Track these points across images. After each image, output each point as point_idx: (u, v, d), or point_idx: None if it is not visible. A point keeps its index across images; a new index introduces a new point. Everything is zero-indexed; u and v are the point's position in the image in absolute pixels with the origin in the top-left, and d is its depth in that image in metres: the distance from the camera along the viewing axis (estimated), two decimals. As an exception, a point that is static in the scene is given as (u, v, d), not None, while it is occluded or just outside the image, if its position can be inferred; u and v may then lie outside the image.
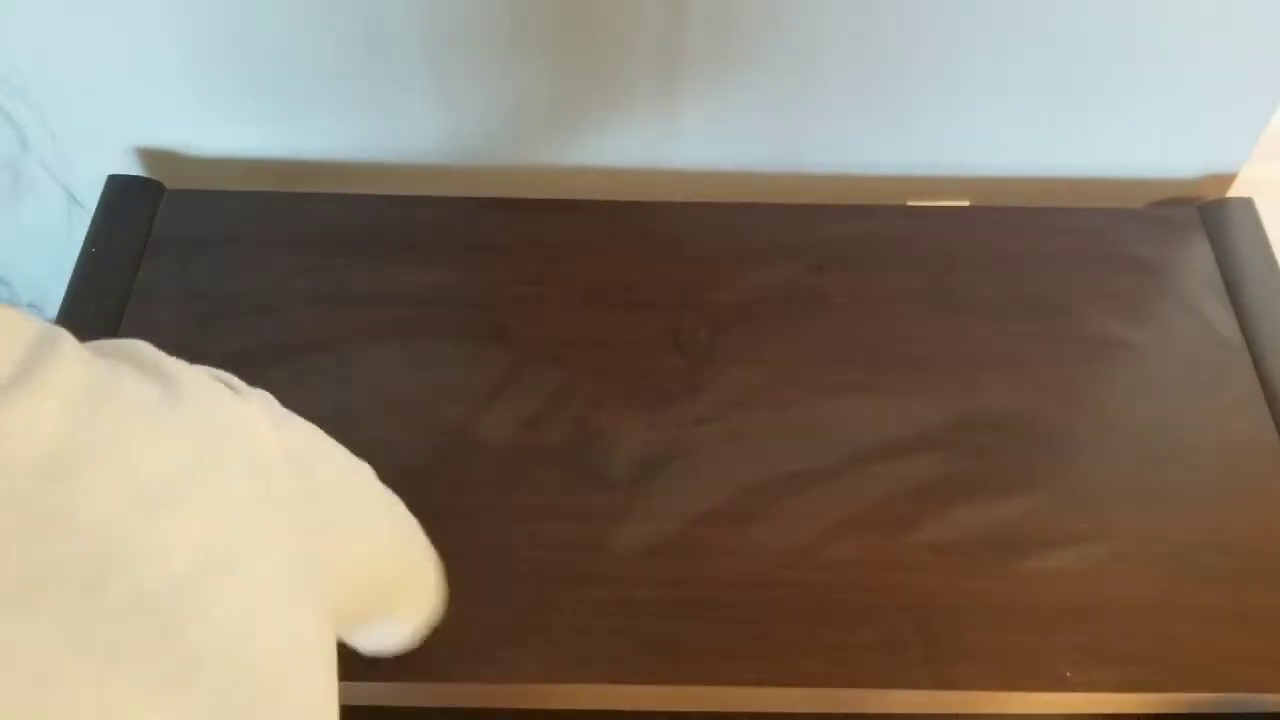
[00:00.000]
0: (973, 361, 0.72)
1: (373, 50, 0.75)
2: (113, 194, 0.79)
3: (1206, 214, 0.80)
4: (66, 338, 0.31)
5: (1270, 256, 0.78)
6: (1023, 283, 0.76)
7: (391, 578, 0.51)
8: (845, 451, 0.68)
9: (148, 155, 0.82)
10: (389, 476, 0.66)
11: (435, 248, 0.77)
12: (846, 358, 0.72)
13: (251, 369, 0.70)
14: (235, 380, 0.40)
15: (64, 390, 0.29)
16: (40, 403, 0.29)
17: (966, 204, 0.85)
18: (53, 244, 0.79)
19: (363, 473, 0.48)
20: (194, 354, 0.72)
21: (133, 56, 0.75)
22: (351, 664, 0.59)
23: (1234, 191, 0.84)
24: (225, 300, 0.74)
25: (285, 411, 0.41)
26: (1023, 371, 0.72)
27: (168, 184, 0.80)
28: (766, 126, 0.80)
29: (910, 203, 0.84)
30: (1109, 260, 0.77)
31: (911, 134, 0.81)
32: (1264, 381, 0.71)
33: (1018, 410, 0.70)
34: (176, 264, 0.75)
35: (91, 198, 0.78)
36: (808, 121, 0.80)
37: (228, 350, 0.71)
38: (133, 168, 0.82)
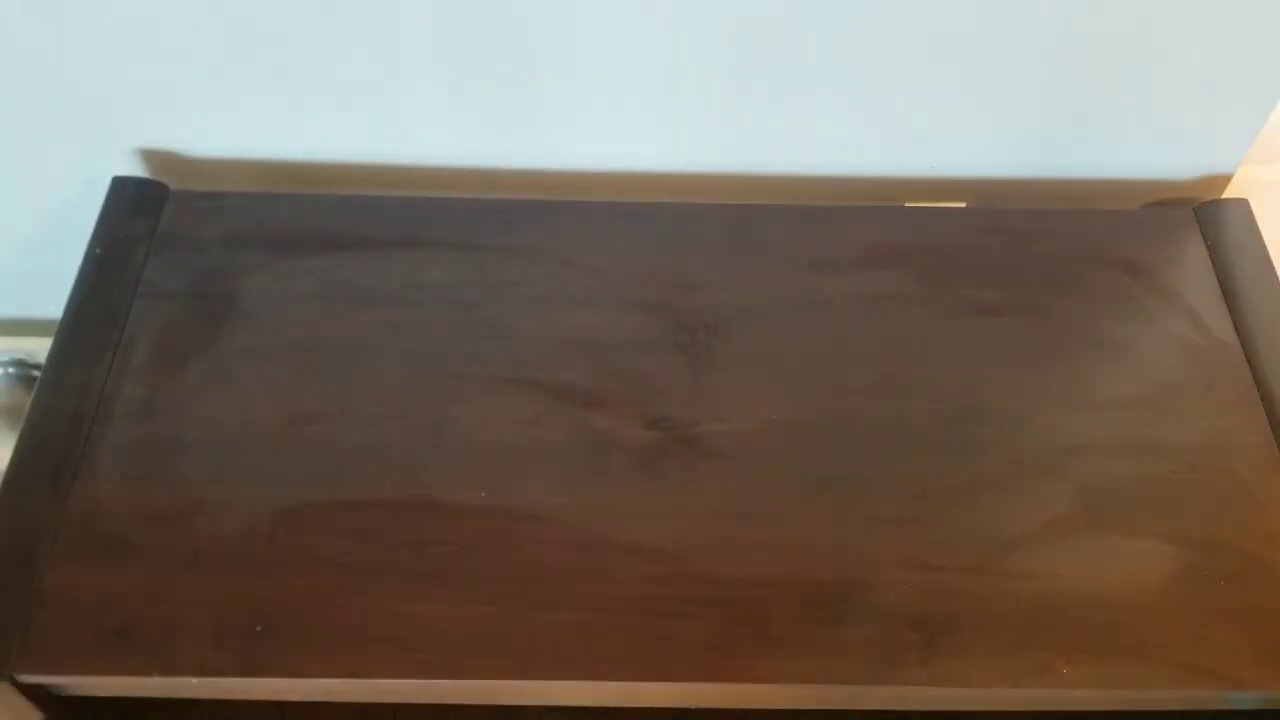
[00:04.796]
0: (969, 362, 0.73)
1: (376, 52, 0.75)
2: (117, 195, 0.79)
3: (1201, 215, 0.81)
4: None
5: (1265, 257, 0.78)
6: (1018, 283, 0.77)
7: None
8: (844, 450, 0.68)
9: (152, 157, 0.83)
10: (389, 476, 0.67)
11: (435, 248, 0.78)
12: (845, 357, 0.73)
13: (254, 368, 0.71)
14: None
15: None
16: None
17: (963, 205, 0.85)
18: (58, 245, 0.79)
19: None
20: (198, 354, 0.73)
21: (137, 58, 0.76)
22: (353, 661, 0.60)
23: (1229, 193, 0.85)
24: (229, 300, 0.74)
25: None
26: (1019, 372, 0.72)
27: (172, 185, 0.80)
28: (766, 127, 0.81)
29: (908, 204, 0.85)
30: (1104, 261, 0.78)
31: (908, 136, 0.81)
32: (1259, 382, 0.71)
33: (1013, 410, 0.70)
34: (181, 265, 0.76)
35: (97, 200, 0.79)
36: (807, 123, 0.80)
37: (231, 350, 0.72)
38: (137, 169, 0.83)
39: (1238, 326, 0.74)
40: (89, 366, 0.70)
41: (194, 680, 0.59)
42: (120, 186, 0.80)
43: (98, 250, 0.76)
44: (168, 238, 0.77)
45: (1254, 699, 0.61)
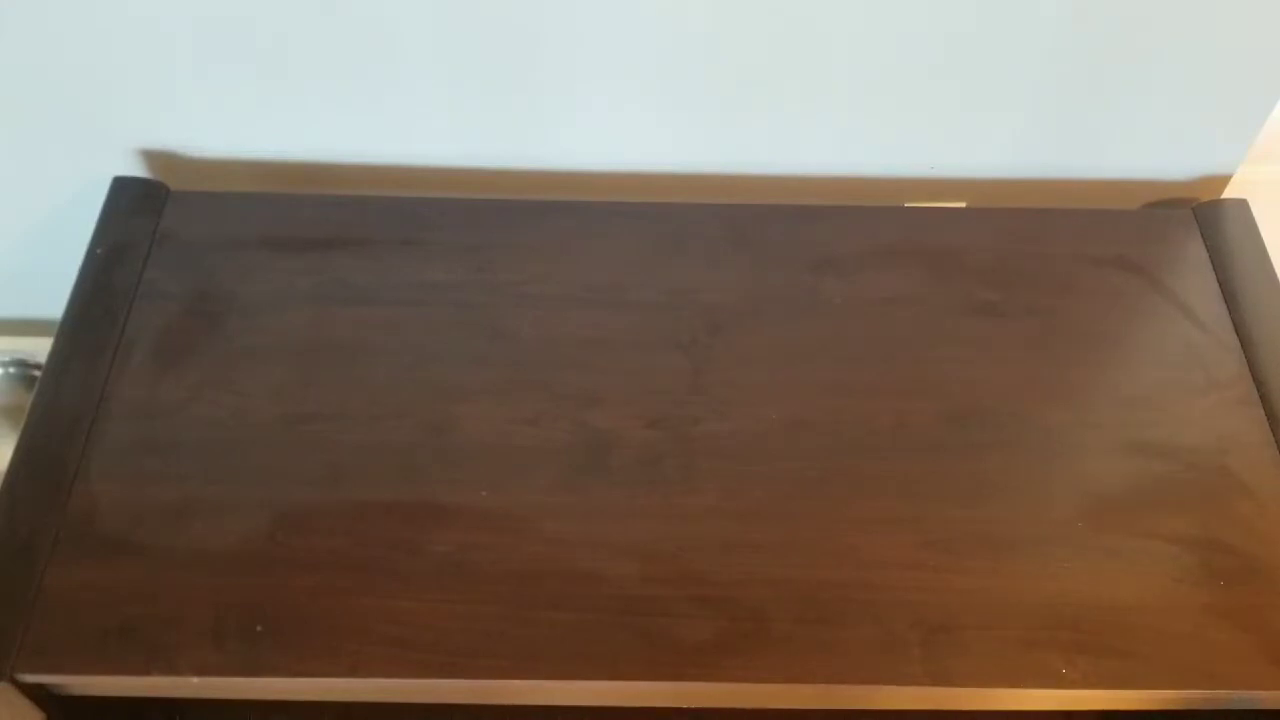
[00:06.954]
0: (970, 361, 0.73)
1: (376, 53, 0.75)
2: (117, 195, 0.79)
3: (1201, 215, 0.81)
4: None
5: (1264, 257, 0.78)
6: (1019, 283, 0.77)
7: None
8: (844, 451, 0.68)
9: (152, 157, 0.83)
10: (389, 476, 0.67)
11: (435, 248, 0.78)
12: (845, 357, 0.73)
13: (254, 368, 0.71)
14: None
15: None
16: None
17: (963, 205, 0.85)
18: (58, 246, 0.79)
19: None
20: (198, 354, 0.73)
21: (137, 58, 0.76)
22: (353, 661, 0.60)
23: (1229, 193, 0.85)
24: (229, 300, 0.74)
25: None
26: (1019, 371, 0.72)
27: (172, 186, 0.80)
28: (766, 127, 0.81)
29: (908, 204, 0.85)
30: (1104, 261, 0.78)
31: (909, 136, 0.82)
32: (1258, 382, 0.71)
33: (1014, 410, 0.70)
34: (181, 265, 0.76)
35: (97, 200, 0.79)
36: (806, 123, 0.80)
37: (230, 350, 0.72)
38: (137, 169, 0.83)
39: (1237, 326, 0.74)
40: (89, 366, 0.70)
41: (194, 680, 0.59)
42: (120, 186, 0.80)
43: (98, 250, 0.76)
44: (168, 238, 0.77)
45: (1254, 699, 0.61)
